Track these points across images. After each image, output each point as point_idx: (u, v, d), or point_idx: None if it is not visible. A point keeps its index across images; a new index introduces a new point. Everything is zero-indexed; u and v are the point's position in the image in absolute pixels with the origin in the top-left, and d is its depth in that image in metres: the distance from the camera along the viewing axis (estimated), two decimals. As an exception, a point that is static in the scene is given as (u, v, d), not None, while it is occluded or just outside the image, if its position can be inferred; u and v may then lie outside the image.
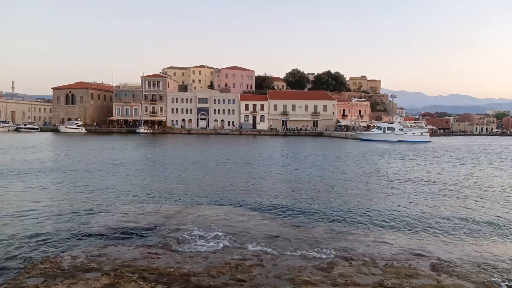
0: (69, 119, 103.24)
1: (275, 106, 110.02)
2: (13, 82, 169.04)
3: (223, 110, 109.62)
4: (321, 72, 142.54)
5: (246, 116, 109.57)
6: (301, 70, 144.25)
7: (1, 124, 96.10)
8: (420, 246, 10.45)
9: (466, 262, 9.30)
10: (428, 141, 76.86)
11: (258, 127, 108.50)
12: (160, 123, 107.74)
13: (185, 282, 7.74)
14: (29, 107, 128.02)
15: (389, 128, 79.49)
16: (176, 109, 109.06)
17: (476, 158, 40.67)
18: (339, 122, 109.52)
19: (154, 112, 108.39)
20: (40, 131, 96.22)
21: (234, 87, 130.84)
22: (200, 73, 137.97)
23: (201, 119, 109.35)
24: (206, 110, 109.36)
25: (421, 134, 79.44)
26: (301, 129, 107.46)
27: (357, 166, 30.38)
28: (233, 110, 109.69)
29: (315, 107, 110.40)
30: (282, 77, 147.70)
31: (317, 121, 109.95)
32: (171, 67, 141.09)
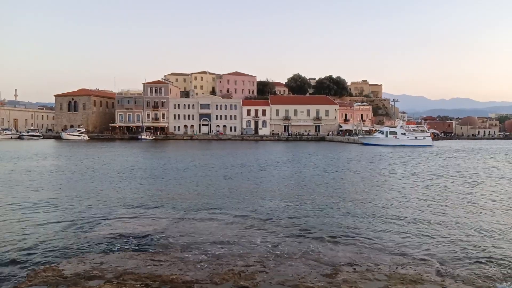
0: (71, 126, 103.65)
1: (277, 111, 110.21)
2: (15, 90, 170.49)
3: (225, 115, 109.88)
4: (322, 77, 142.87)
5: (248, 121, 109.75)
6: (303, 75, 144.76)
7: (4, 131, 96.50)
8: (425, 251, 10.36)
9: (472, 267, 9.20)
10: (430, 145, 76.72)
11: (260, 132, 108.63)
12: (162, 129, 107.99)
13: (188, 289, 7.70)
14: (32, 115, 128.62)
15: (391, 132, 79.39)
16: (178, 115, 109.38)
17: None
18: (341, 126, 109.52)
19: (156, 119, 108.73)
20: (43, 138, 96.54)
21: (236, 92, 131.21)
22: (202, 79, 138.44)
23: (203, 125, 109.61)
24: (208, 116, 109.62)
25: (424, 138, 79.29)
26: (303, 134, 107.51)
27: (362, 171, 30.28)
28: (235, 116, 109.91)
29: (317, 112, 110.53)
30: (283, 82, 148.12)
31: (319, 126, 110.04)
32: (173, 74, 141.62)
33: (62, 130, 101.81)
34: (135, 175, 26.24)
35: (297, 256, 9.86)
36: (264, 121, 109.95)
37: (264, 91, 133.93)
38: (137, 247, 10.50)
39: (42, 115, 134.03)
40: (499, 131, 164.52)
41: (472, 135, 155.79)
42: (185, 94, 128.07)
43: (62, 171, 27.84)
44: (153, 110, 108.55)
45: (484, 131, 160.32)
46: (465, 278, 8.51)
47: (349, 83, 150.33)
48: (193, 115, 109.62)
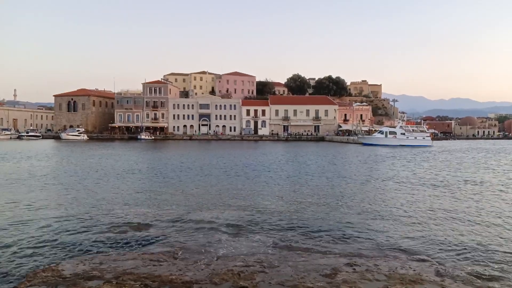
0: (71, 126, 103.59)
1: (277, 111, 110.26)
2: (15, 90, 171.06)
3: (225, 115, 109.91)
4: (322, 77, 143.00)
5: (248, 121, 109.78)
6: (302, 75, 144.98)
7: (3, 131, 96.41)
8: (425, 251, 10.36)
9: (472, 267, 9.20)
10: (430, 145, 76.77)
11: (260, 132, 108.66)
12: (161, 129, 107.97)
13: (188, 289, 7.68)
14: (31, 115, 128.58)
15: (391, 133, 79.45)
16: (178, 115, 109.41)
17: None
18: (341, 126, 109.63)
19: (155, 119, 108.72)
20: (42, 138, 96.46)
21: (235, 92, 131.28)
22: (201, 79, 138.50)
23: (202, 125, 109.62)
24: (208, 116, 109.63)
25: (423, 138, 79.31)
26: (302, 134, 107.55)
27: (362, 171, 30.27)
28: (234, 116, 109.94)
29: (317, 112, 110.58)
30: (283, 82, 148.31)
31: (318, 126, 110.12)
32: (172, 74, 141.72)
33: (60, 130, 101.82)
34: (135, 175, 26.22)
35: (297, 256, 9.85)
36: (263, 121, 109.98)
37: (264, 91, 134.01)
38: (136, 247, 10.49)
39: (42, 115, 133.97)
40: (499, 131, 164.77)
41: (472, 135, 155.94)
42: (185, 94, 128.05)
43: (62, 172, 27.81)
44: (153, 110, 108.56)
45: (484, 131, 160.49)
46: (465, 278, 8.50)
47: (348, 83, 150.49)
48: (192, 115, 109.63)
